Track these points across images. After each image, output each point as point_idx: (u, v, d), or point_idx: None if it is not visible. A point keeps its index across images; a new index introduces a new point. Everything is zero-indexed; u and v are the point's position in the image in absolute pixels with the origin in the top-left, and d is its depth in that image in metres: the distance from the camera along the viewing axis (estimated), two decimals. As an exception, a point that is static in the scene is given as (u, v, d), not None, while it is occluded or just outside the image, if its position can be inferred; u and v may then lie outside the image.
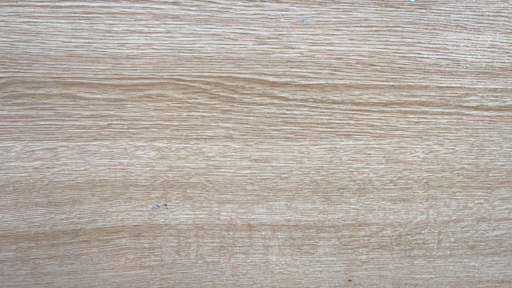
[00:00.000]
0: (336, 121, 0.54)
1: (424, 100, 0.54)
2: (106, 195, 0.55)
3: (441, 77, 0.53)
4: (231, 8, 0.49)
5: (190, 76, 0.51)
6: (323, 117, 0.54)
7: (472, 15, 0.51)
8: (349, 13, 0.50)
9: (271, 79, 0.52)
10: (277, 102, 0.53)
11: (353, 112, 0.54)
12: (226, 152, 0.54)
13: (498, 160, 0.57)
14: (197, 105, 0.52)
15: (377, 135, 0.55)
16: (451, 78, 0.53)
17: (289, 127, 0.54)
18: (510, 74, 0.54)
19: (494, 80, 0.54)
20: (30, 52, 0.49)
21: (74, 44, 0.49)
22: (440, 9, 0.51)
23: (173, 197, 0.55)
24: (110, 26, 0.48)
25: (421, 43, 0.52)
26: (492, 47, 0.53)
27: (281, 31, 0.50)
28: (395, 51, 0.52)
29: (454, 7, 0.51)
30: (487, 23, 0.52)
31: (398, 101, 0.54)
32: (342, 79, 0.52)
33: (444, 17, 0.51)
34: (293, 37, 0.50)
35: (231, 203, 0.56)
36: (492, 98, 0.55)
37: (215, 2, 0.49)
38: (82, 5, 0.48)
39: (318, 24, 0.50)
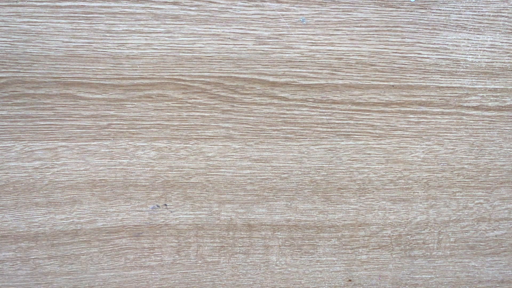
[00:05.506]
0: (336, 121, 0.54)
1: (424, 100, 0.54)
2: (106, 195, 0.55)
3: (441, 77, 0.53)
4: (231, 8, 0.49)
5: (190, 76, 0.51)
6: (323, 117, 0.54)
7: (472, 15, 0.51)
8: (349, 13, 0.50)
9: (271, 79, 0.52)
10: (277, 102, 0.53)
11: (353, 112, 0.54)
12: (226, 152, 0.54)
13: (498, 160, 0.57)
14: (197, 105, 0.52)
15: (377, 135, 0.55)
16: (451, 78, 0.53)
17: (289, 127, 0.54)
18: (510, 74, 0.54)
19: (494, 80, 0.54)
20: (30, 52, 0.49)
21: (74, 44, 0.49)
22: (440, 9, 0.51)
23: (173, 197, 0.55)
24: (110, 26, 0.48)
25: (421, 43, 0.52)
26: (492, 47, 0.53)
27: (281, 31, 0.50)
28: (395, 51, 0.52)
29: (454, 7, 0.51)
30: (487, 23, 0.52)
31: (398, 101, 0.54)
32: (342, 79, 0.52)
33: (444, 17, 0.51)
34: (293, 37, 0.50)
35: (231, 203, 0.56)
36: (492, 98, 0.55)
37: (215, 2, 0.49)
38: (82, 5, 0.48)
39: (318, 24, 0.50)
